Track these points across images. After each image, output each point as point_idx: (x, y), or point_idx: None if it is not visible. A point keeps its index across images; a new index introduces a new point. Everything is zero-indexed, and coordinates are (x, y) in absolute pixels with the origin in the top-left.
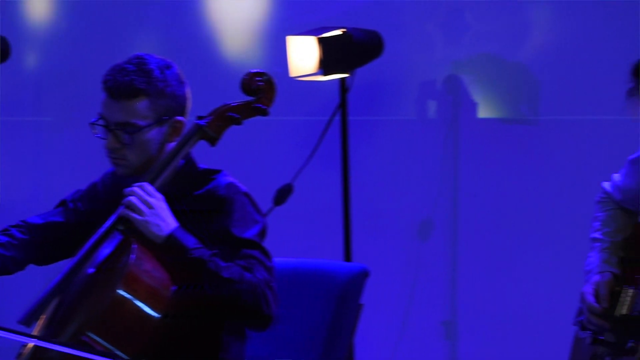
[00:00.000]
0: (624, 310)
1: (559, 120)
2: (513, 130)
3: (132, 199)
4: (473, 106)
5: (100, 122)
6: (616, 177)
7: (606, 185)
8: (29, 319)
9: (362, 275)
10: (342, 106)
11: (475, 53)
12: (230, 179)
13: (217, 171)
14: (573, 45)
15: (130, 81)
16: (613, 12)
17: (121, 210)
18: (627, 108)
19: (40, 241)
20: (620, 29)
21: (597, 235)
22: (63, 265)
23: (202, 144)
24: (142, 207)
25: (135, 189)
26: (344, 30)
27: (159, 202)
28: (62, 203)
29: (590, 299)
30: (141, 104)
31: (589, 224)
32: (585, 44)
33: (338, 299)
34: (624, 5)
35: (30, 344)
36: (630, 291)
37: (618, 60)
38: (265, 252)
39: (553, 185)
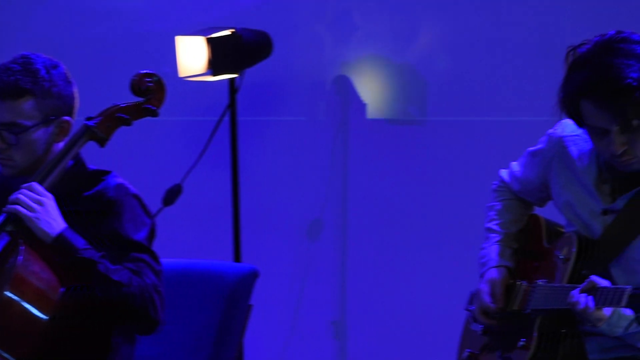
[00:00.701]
0: (516, 305)
1: (447, 121)
2: (401, 131)
3: (22, 197)
4: (362, 107)
5: None
6: (514, 166)
7: (504, 173)
8: None
9: (252, 276)
10: (232, 106)
11: (364, 54)
12: (120, 180)
13: (107, 172)
14: (460, 46)
15: (15, 81)
16: (499, 13)
17: (10, 208)
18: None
19: None
20: (506, 30)
21: (492, 225)
22: None
23: (92, 145)
24: (32, 204)
25: (24, 189)
26: (233, 30)
27: (49, 201)
28: None
29: (487, 299)
30: (27, 104)
31: (476, 223)
32: (473, 45)
33: (227, 299)
34: (510, 7)
35: None
36: (524, 286)
37: (505, 61)
38: (154, 256)
39: (441, 185)
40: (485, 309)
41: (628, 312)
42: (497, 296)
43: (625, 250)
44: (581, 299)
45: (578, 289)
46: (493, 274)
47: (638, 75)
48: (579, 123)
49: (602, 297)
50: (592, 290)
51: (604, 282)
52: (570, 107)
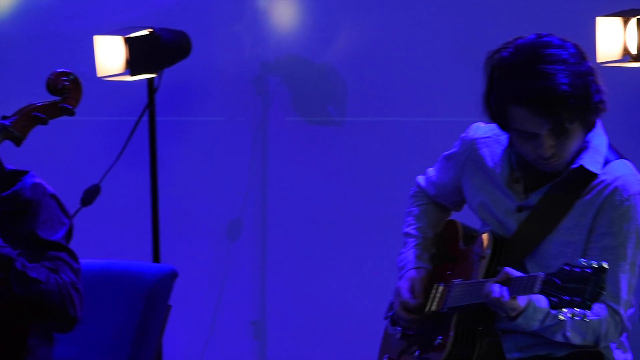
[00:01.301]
0: (434, 306)
1: (366, 122)
2: (321, 131)
3: None
4: (281, 107)
5: None
6: (430, 171)
7: (420, 179)
8: None
9: (171, 276)
10: (150, 106)
11: (283, 54)
12: (37, 180)
13: (24, 172)
14: (379, 46)
15: None
16: (418, 14)
17: None
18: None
19: None
20: (424, 30)
21: (410, 230)
22: None
23: (8, 145)
24: None
25: None
26: (152, 30)
27: None
28: None
29: (406, 294)
30: None
31: (396, 223)
32: (392, 46)
33: (146, 299)
34: (429, 8)
35: None
36: (441, 288)
37: (423, 62)
38: (71, 254)
39: (360, 185)
40: (405, 304)
41: (543, 305)
42: (417, 293)
43: (540, 245)
44: (495, 288)
45: (492, 280)
46: (412, 273)
47: (569, 80)
48: (504, 127)
49: (516, 286)
50: (507, 280)
51: (518, 273)
52: (498, 111)
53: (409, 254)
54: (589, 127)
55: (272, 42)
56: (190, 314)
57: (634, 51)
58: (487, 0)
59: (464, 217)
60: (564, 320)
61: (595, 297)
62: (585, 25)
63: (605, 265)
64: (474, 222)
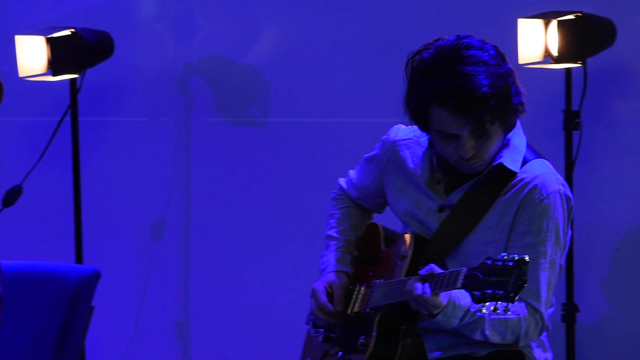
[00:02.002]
0: (356, 308)
1: (289, 122)
2: (244, 132)
3: None
4: (204, 108)
5: None
6: (352, 173)
7: (342, 181)
8: None
9: (93, 277)
10: (73, 107)
11: (206, 54)
12: None
13: None
14: (302, 47)
15: None
16: (340, 14)
17: None
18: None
19: None
20: (347, 31)
21: (332, 233)
22: None
23: None
24: None
25: None
26: (74, 30)
27: None
28: None
29: (323, 297)
30: None
31: (319, 224)
32: (315, 46)
33: (69, 301)
34: (350, 9)
35: None
36: (363, 289)
37: (346, 62)
38: None
39: (283, 186)
40: (322, 307)
41: (463, 303)
42: (337, 299)
43: (461, 244)
44: (417, 286)
45: (414, 277)
46: (331, 277)
47: (490, 81)
48: (424, 128)
49: (438, 282)
50: (429, 276)
51: (440, 270)
52: (418, 112)
53: (330, 257)
54: (508, 128)
55: (195, 42)
56: (113, 316)
57: (555, 53)
58: (409, 1)
59: (386, 220)
60: (482, 318)
61: (518, 289)
62: (507, 26)
63: (526, 258)
64: (396, 226)
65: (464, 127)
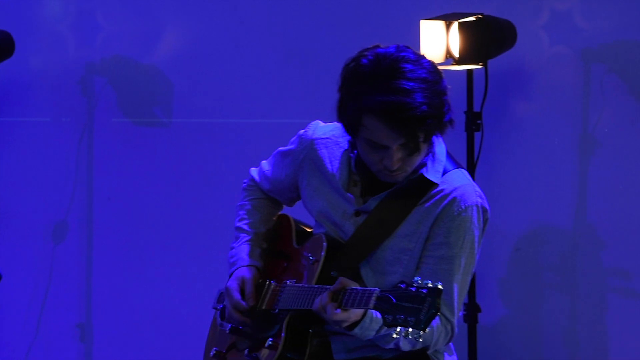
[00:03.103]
0: (265, 305)
1: (192, 123)
2: (147, 132)
3: None
4: (107, 108)
5: None
6: (265, 165)
7: (254, 172)
8: None
9: None
10: None
11: (108, 55)
12: None
13: None
14: (205, 48)
15: None
16: (244, 15)
17: None
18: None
19: None
20: (250, 33)
21: (241, 225)
22: None
23: None
24: None
25: None
26: None
27: None
28: None
29: (237, 295)
30: None
31: (222, 224)
32: (218, 47)
33: None
34: (255, 10)
35: None
36: (273, 285)
37: (248, 63)
38: None
39: (187, 186)
40: (236, 305)
41: (377, 315)
42: (248, 294)
43: (376, 250)
44: (329, 309)
45: (326, 292)
46: (243, 272)
47: (428, 100)
48: (353, 133)
49: (350, 298)
50: (341, 290)
51: (353, 284)
52: (352, 119)
53: (241, 250)
54: (431, 143)
55: (98, 42)
56: (14, 317)
57: (456, 54)
58: (312, 2)
59: (296, 212)
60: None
61: (430, 318)
62: (409, 28)
63: (440, 286)
64: (306, 217)
65: (396, 141)
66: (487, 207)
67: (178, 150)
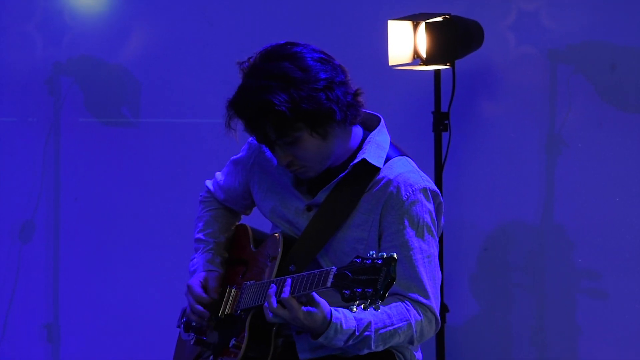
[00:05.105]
0: (227, 310)
1: (160, 123)
2: (114, 133)
3: None
4: (74, 108)
5: None
6: (218, 175)
7: (209, 183)
8: None
9: None
10: None
11: (76, 55)
12: None
13: None
14: (172, 47)
15: None
16: (211, 16)
17: None
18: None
19: None
20: (217, 32)
21: (200, 236)
22: None
23: None
24: None
25: None
26: None
27: None
28: None
29: (198, 289)
30: None
31: (190, 224)
32: (185, 47)
33: None
34: (220, 10)
35: None
36: (233, 291)
37: (216, 63)
38: None
39: (154, 187)
40: (198, 298)
41: (347, 327)
42: (211, 289)
43: (331, 242)
44: (279, 312)
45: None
46: (204, 275)
47: (274, 97)
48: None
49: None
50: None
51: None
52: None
53: (200, 259)
54: (326, 135)
55: (65, 42)
56: None
57: (423, 54)
58: (280, 2)
59: (255, 222)
60: (369, 337)
61: (388, 286)
62: (377, 28)
63: (394, 255)
64: (266, 227)
65: (258, 138)
66: (436, 190)
67: (146, 150)
